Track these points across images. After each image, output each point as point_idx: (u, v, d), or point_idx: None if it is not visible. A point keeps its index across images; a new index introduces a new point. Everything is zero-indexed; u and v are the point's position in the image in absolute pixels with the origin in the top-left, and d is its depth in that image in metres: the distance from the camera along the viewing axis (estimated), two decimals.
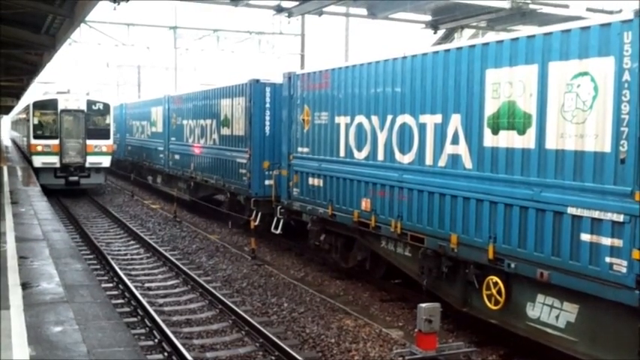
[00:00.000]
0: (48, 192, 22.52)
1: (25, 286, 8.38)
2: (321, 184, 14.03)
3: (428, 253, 10.70)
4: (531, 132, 8.64)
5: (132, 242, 18.68)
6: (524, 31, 10.07)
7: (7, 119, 73.00)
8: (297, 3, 18.43)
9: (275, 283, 13.98)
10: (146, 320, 10.98)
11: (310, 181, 14.52)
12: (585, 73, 7.87)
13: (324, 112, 13.92)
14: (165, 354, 9.56)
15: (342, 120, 13.24)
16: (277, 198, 16.40)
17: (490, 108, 9.33)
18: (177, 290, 13.45)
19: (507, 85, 9.01)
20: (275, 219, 16.61)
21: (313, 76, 14.52)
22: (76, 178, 27.61)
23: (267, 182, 17.62)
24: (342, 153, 13.27)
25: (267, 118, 17.91)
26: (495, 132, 9.25)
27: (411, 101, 11.09)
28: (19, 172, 26.34)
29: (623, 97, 7.38)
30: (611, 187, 7.56)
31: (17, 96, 43.93)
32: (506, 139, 9.05)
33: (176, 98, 26.55)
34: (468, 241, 9.76)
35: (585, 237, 7.87)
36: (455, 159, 10.09)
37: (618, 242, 7.47)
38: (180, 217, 23.16)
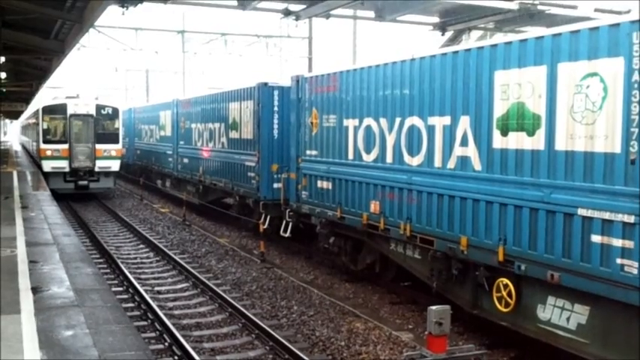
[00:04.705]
0: (57, 196, 22.61)
1: (35, 290, 8.40)
2: (330, 187, 14.03)
3: (437, 255, 10.68)
4: (541, 133, 8.60)
5: (141, 246, 18.73)
6: (532, 32, 10.04)
7: (17, 124, 73.39)
8: (304, 6, 18.45)
9: (284, 286, 13.98)
10: (156, 324, 11.00)
11: (319, 183, 14.52)
12: (594, 74, 7.83)
13: (333, 114, 13.92)
14: (176, 357, 9.58)
15: (350, 123, 13.23)
16: (286, 201, 16.41)
17: (499, 109, 9.31)
18: (186, 294, 13.48)
19: (516, 87, 8.98)
20: (284, 222, 16.64)
21: (321, 79, 14.52)
22: (85, 183, 27.71)
23: (275, 185, 17.63)
24: (350, 156, 13.26)
25: (276, 121, 17.92)
26: (504, 133, 9.23)
27: (420, 103, 11.07)
28: (29, 177, 26.43)
29: (632, 98, 7.34)
30: (621, 188, 7.52)
31: (27, 101, 44.27)
32: (516, 141, 9.02)
33: (184, 102, 26.63)
34: (478, 243, 9.73)
35: (596, 238, 7.83)
36: (464, 161, 10.06)
37: (629, 243, 7.42)
38: (190, 221, 23.21)
